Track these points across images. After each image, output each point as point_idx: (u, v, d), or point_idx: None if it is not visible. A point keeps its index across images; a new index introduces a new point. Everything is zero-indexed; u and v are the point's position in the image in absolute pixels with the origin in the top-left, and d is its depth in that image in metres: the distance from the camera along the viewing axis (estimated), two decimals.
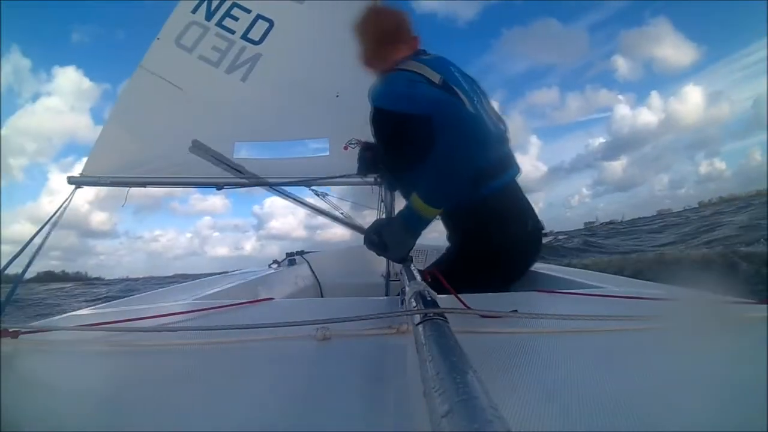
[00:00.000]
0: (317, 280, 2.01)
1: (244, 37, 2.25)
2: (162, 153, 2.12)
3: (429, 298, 0.56)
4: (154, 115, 2.16)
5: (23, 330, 0.76)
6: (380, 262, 2.09)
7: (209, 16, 2.28)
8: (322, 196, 2.06)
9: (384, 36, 1.47)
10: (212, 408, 0.42)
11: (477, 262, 1.36)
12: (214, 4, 2.28)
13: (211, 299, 1.24)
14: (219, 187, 2.07)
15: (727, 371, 0.48)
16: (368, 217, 2.01)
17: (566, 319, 0.68)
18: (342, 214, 1.85)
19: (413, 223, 1.12)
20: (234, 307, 0.98)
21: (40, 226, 1.78)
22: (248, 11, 2.28)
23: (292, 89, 2.19)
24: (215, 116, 2.19)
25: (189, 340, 0.69)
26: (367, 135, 2.07)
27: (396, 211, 2.12)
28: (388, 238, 1.10)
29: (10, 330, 0.75)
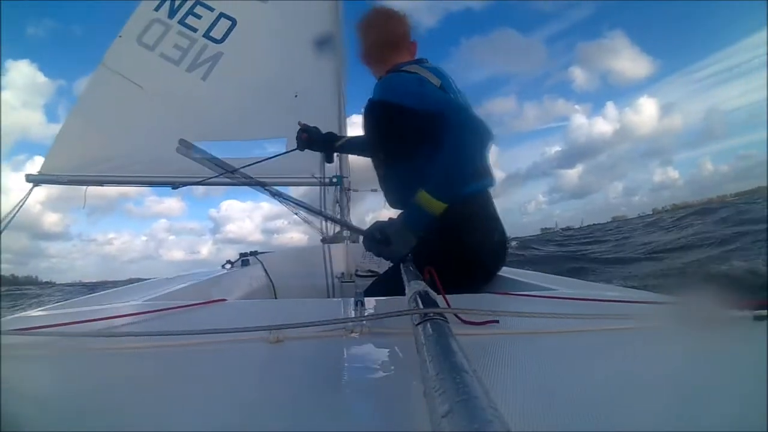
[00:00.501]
0: (271, 280, 2.00)
1: (206, 35, 2.25)
2: (122, 152, 2.13)
3: (431, 299, 0.56)
4: (115, 114, 2.17)
5: None
6: (335, 264, 2.09)
7: (172, 13, 2.27)
8: (278, 197, 2.06)
9: (391, 40, 1.51)
10: (162, 411, 0.42)
11: (448, 262, 1.39)
12: (177, 2, 2.27)
13: (163, 300, 1.24)
14: (175, 186, 2.08)
15: (720, 370, 0.49)
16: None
17: (563, 318, 0.70)
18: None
19: (417, 220, 1.16)
20: (186, 308, 0.98)
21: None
22: (212, 9, 2.28)
23: (251, 89, 2.19)
24: (175, 115, 2.20)
25: (139, 343, 0.68)
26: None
27: (350, 214, 2.13)
28: (393, 236, 1.14)
29: None
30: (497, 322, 0.65)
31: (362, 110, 1.50)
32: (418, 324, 0.43)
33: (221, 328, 0.65)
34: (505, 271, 1.56)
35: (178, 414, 0.41)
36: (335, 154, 1.88)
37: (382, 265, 2.15)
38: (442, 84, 1.33)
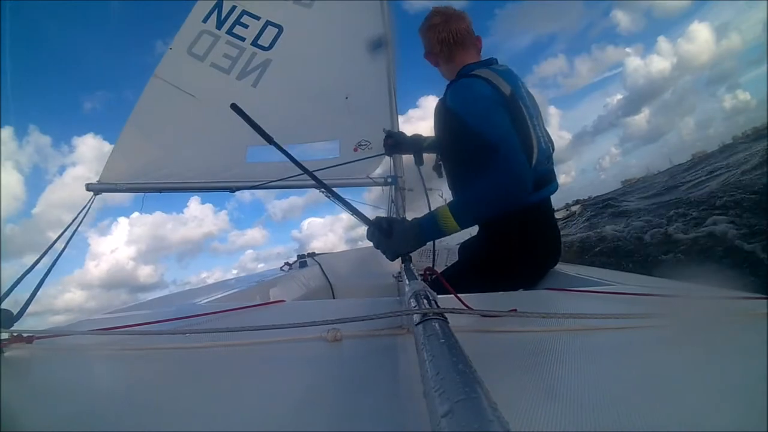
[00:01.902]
0: (329, 281, 2.01)
1: (254, 43, 2.29)
2: (177, 159, 2.17)
3: (429, 299, 0.56)
4: (168, 123, 2.21)
5: (37, 335, 0.78)
6: (391, 263, 2.09)
7: (220, 24, 2.33)
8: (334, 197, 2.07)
9: (456, 38, 1.52)
10: (223, 410, 0.42)
11: (503, 267, 1.41)
12: (225, 13, 2.33)
13: (223, 302, 1.25)
14: (232, 190, 2.11)
15: (736, 369, 0.47)
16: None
17: (569, 318, 0.67)
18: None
19: (428, 230, 1.15)
20: (246, 309, 0.99)
21: (57, 238, 1.83)
22: (258, 18, 2.33)
23: (301, 93, 2.22)
24: (228, 122, 2.22)
25: (201, 343, 0.69)
26: (377, 135, 2.09)
27: (406, 214, 2.13)
28: (397, 232, 1.12)
29: (25, 335, 0.76)
30: (515, 310, 0.65)
31: (435, 108, 1.52)
32: (418, 324, 0.43)
33: (278, 324, 0.66)
34: (567, 269, 1.56)
35: (237, 412, 0.41)
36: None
37: (439, 263, 2.15)
38: (513, 91, 1.34)
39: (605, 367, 0.50)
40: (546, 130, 1.49)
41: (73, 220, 1.94)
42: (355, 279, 2.09)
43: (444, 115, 1.43)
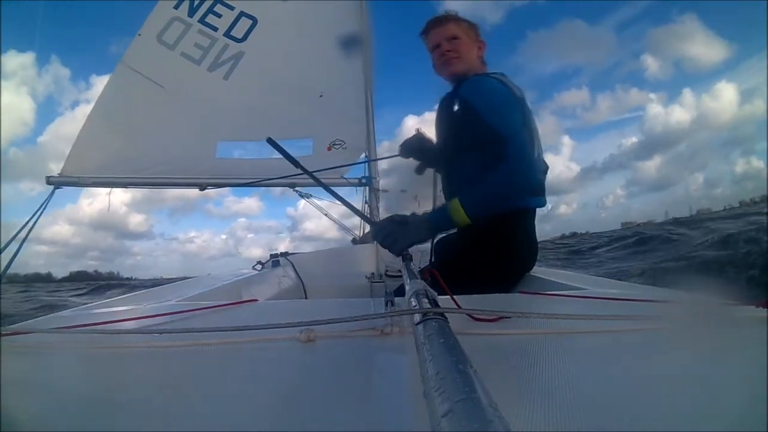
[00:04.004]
0: (301, 281, 2.00)
1: (227, 34, 2.21)
2: (145, 152, 2.10)
3: (430, 298, 0.55)
4: (135, 114, 2.13)
5: (2, 332, 0.75)
6: (364, 264, 2.10)
7: (192, 12, 2.23)
8: (307, 197, 2.06)
9: (477, 32, 1.52)
10: (195, 410, 0.42)
11: (485, 266, 1.44)
12: (197, 1, 2.24)
13: (195, 300, 1.24)
14: (202, 187, 2.06)
15: (721, 371, 0.49)
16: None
17: (564, 319, 0.69)
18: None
19: (439, 222, 1.21)
20: (218, 308, 0.98)
21: (24, 229, 1.77)
22: (231, 8, 2.25)
23: (275, 88, 2.17)
24: (197, 115, 2.17)
25: (171, 342, 0.68)
26: (351, 135, 2.07)
27: (379, 213, 2.13)
28: (412, 222, 1.18)
29: None
30: (509, 317, 0.65)
31: (439, 103, 1.51)
32: (418, 323, 0.43)
33: (252, 325, 0.66)
34: (540, 272, 1.59)
35: (210, 412, 0.41)
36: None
37: (416, 264, 2.16)
38: (522, 95, 1.38)
39: (605, 368, 0.51)
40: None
41: (32, 216, 1.87)
42: (328, 279, 2.09)
43: (453, 107, 1.43)
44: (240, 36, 2.21)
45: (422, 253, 2.20)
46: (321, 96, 2.12)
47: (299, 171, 1.91)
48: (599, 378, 0.47)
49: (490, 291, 1.25)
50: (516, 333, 0.64)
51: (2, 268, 1.68)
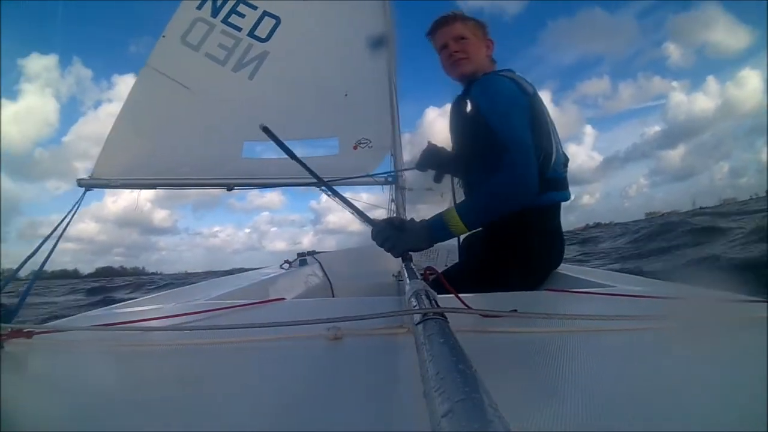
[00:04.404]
0: (329, 279, 2.02)
1: (251, 34, 2.22)
2: (170, 153, 2.11)
3: (429, 298, 0.56)
4: (162, 115, 2.15)
5: (37, 330, 0.77)
6: (392, 262, 2.10)
7: (215, 12, 2.24)
8: (333, 195, 2.06)
9: (484, 30, 1.50)
10: (223, 408, 0.42)
11: (507, 265, 1.43)
12: (220, 1, 2.24)
13: (222, 299, 1.25)
14: (229, 188, 2.07)
15: (739, 371, 0.48)
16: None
17: (568, 319, 0.69)
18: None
19: (437, 232, 1.17)
20: (245, 307, 0.99)
21: (48, 236, 1.79)
22: (254, 8, 2.25)
23: (299, 88, 2.18)
24: (223, 115, 2.18)
25: (200, 339, 0.69)
26: (377, 134, 2.07)
27: (406, 213, 2.14)
28: (409, 229, 1.16)
29: (24, 330, 0.75)
30: (516, 310, 0.65)
31: (451, 105, 1.52)
32: (419, 323, 0.43)
33: (279, 322, 0.66)
34: (569, 269, 1.59)
35: (236, 410, 0.41)
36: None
37: (439, 263, 2.17)
38: (534, 92, 1.36)
39: (606, 368, 0.51)
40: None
41: (65, 217, 1.90)
42: (355, 278, 2.10)
43: (463, 109, 1.43)
44: (264, 36, 2.22)
45: (449, 252, 2.21)
46: (346, 95, 2.13)
47: (326, 170, 1.93)
48: (608, 377, 0.47)
49: (516, 289, 1.26)
50: (526, 331, 0.63)
51: (36, 267, 1.70)
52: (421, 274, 1.13)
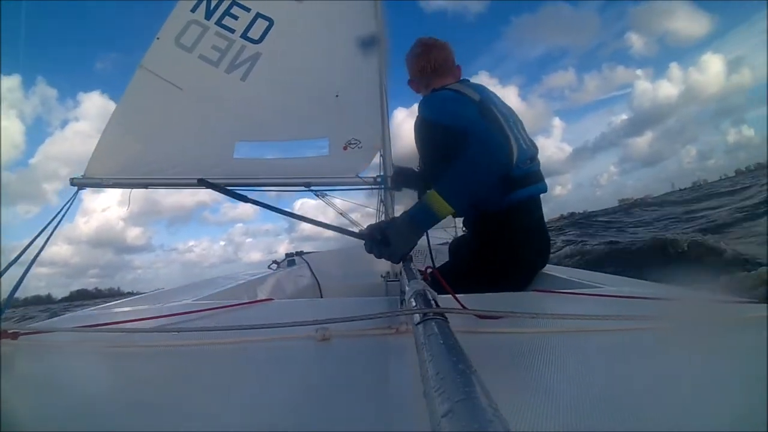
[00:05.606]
0: (317, 280, 2.02)
1: (244, 36, 2.24)
2: (163, 154, 2.13)
3: (429, 298, 0.56)
4: (155, 116, 2.17)
5: (22, 331, 0.77)
6: (380, 263, 2.10)
7: (209, 14, 2.26)
8: (322, 195, 2.07)
9: (434, 67, 1.65)
10: (212, 409, 0.42)
11: (491, 265, 1.45)
12: (214, 3, 2.26)
13: (210, 300, 1.25)
14: (221, 189, 2.08)
15: (726, 371, 0.48)
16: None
17: (564, 319, 0.68)
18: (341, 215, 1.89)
19: (422, 220, 1.16)
20: (233, 307, 0.99)
21: (39, 233, 1.80)
22: (248, 10, 2.27)
23: (291, 89, 2.19)
24: (216, 116, 2.20)
25: (188, 340, 0.69)
26: (366, 135, 2.07)
27: (394, 213, 2.13)
28: (393, 236, 1.12)
29: (10, 331, 0.76)
30: (513, 314, 0.65)
31: (414, 125, 1.61)
32: (419, 323, 0.44)
33: (267, 324, 0.66)
34: (556, 270, 1.57)
35: (225, 411, 0.41)
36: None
37: (426, 264, 2.16)
38: (481, 98, 1.42)
39: (601, 367, 0.51)
40: (528, 136, 1.55)
41: (56, 215, 1.91)
42: (343, 278, 2.10)
43: (418, 126, 1.54)
44: (257, 37, 2.24)
45: (436, 253, 2.20)
46: (337, 96, 2.13)
47: (316, 171, 1.96)
48: (604, 377, 0.47)
49: (504, 289, 1.25)
50: (523, 332, 0.64)
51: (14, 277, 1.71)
52: (421, 275, 1.12)
